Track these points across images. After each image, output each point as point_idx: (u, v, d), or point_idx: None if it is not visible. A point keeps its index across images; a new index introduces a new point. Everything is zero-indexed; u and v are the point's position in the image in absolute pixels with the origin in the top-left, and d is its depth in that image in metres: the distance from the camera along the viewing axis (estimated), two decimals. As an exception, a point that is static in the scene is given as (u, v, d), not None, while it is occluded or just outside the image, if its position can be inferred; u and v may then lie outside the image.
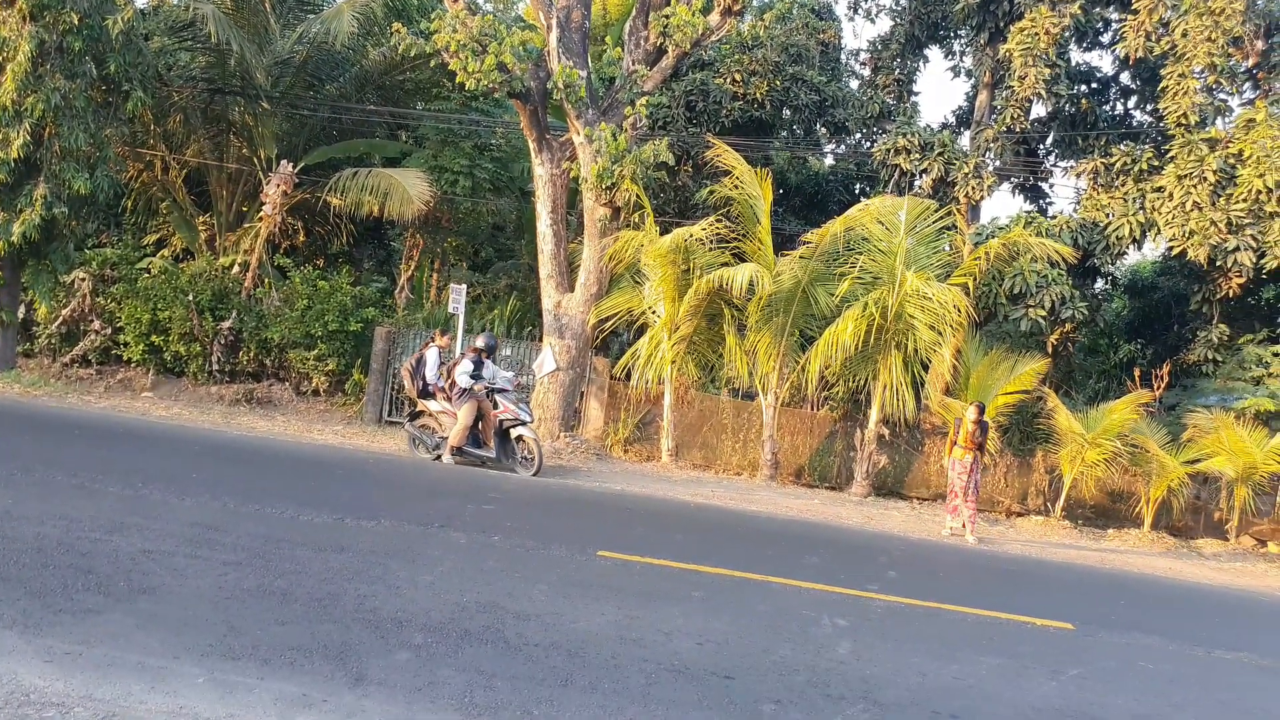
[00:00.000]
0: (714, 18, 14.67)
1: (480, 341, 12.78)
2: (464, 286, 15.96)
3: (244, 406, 15.71)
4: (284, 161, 17.10)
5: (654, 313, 15.60)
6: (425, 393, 12.82)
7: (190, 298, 16.27)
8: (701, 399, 16.42)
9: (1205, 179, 15.62)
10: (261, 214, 17.12)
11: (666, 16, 14.52)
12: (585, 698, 4.78)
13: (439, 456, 12.58)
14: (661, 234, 14.96)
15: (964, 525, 12.54)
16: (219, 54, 17.16)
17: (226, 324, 16.41)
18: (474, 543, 7.89)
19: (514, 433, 12.53)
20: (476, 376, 12.37)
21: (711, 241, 15.08)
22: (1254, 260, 15.51)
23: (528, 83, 14.75)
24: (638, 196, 14.90)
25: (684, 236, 14.53)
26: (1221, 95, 17.04)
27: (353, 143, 19.33)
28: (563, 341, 15.51)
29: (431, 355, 12.92)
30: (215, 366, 16.48)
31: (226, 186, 18.64)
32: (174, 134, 18.54)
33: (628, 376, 15.38)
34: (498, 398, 12.45)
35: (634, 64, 15.36)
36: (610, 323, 15.89)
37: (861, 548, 10.89)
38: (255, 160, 18.22)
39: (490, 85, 14.24)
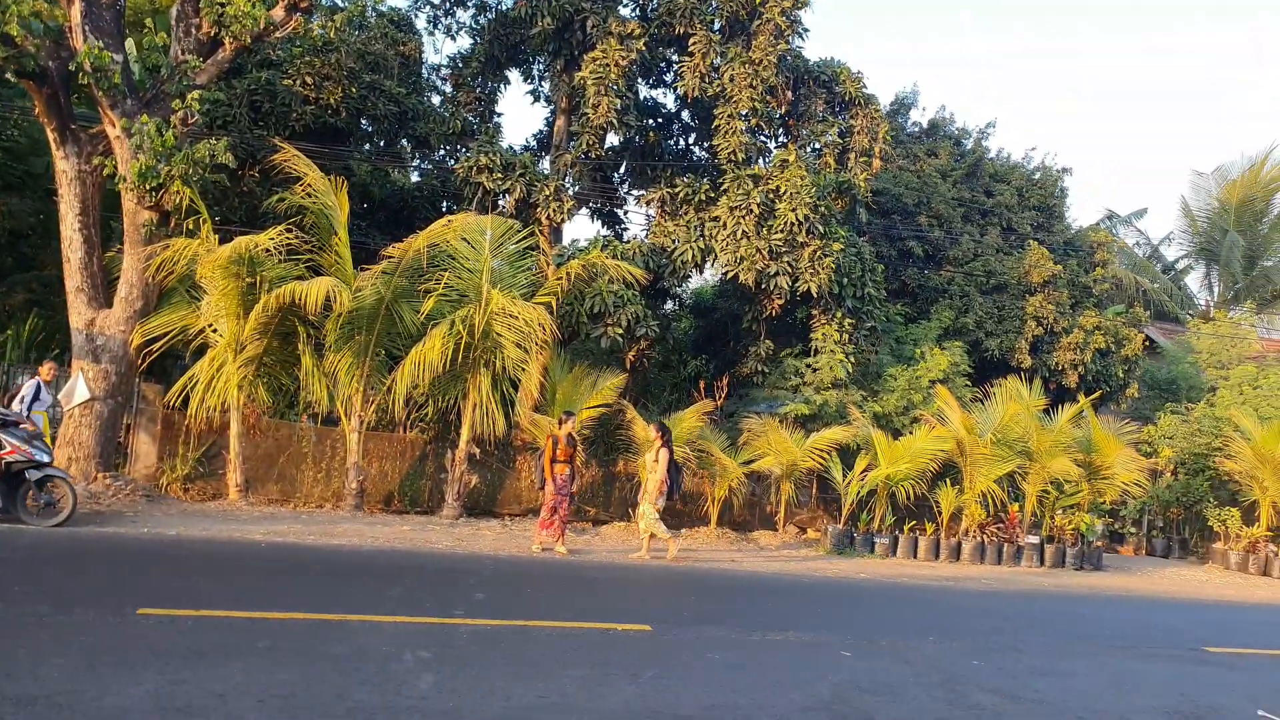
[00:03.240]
0: (278, 12, 13.51)
1: None
2: (-38, 302, 13.12)
3: None
4: None
5: (215, 331, 13.99)
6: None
7: None
8: (276, 427, 15.02)
9: (751, 211, 17.48)
10: None
11: (222, 5, 13.07)
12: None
13: None
14: (223, 243, 13.44)
15: (556, 538, 12.68)
16: None
17: None
18: (-37, 617, 6.28)
19: (32, 476, 10.40)
20: None
21: (282, 253, 13.87)
22: (790, 284, 17.63)
23: (44, 62, 12.50)
24: (191, 200, 13.24)
25: (248, 246, 13.18)
26: (762, 137, 19.27)
27: None
28: (99, 366, 13.29)
29: (28, 388, 11.08)
30: None
31: None
32: None
33: (186, 404, 13.60)
34: (2, 435, 10.26)
35: (184, 53, 13.66)
36: (161, 343, 13.90)
37: (450, 572, 10.50)
38: None
39: (-8, 60, 11.84)
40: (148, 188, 12.88)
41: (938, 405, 17.82)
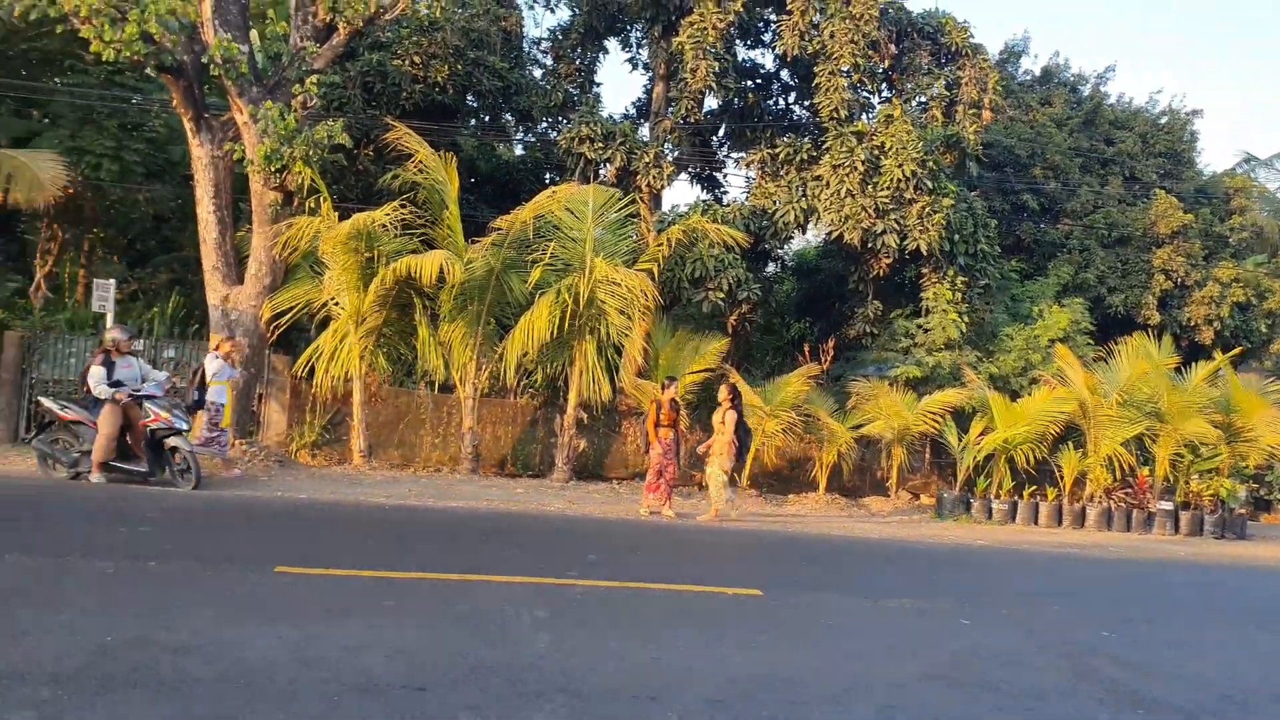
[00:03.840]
0: (387, -5, 13.96)
1: (111, 336, 11.31)
2: (111, 282, 14.11)
3: None
4: None
5: (337, 304, 14.66)
6: (198, 405, 12.21)
7: None
8: (396, 394, 15.70)
9: (855, 168, 17.18)
10: None
11: (335, -9, 13.59)
12: (253, 736, 4.22)
13: (78, 474, 11.03)
14: (341, 220, 14.05)
15: (663, 502, 12.90)
16: None
17: None
18: (124, 571, 6.88)
19: (169, 443, 11.21)
20: (117, 383, 10.92)
21: (397, 228, 14.40)
22: (898, 242, 17.30)
23: (180, 56, 13.24)
24: (312, 180, 13.88)
25: (366, 222, 13.73)
26: (865, 93, 18.85)
27: (-36, 119, 16.46)
28: (233, 340, 14.13)
29: (212, 365, 12.23)
30: None
31: None
32: None
33: (312, 374, 14.34)
34: (147, 404, 11.06)
35: (302, 40, 14.28)
36: (288, 317, 14.69)
37: (562, 534, 10.84)
38: None
39: (134, 57, 12.62)
40: (272, 169, 13.56)
41: (1057, 365, 17.25)
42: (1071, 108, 24.00)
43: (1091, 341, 19.33)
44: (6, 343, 14.17)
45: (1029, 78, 25.58)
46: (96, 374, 10.88)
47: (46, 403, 11.46)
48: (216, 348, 12.85)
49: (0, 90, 16.97)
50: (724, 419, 12.93)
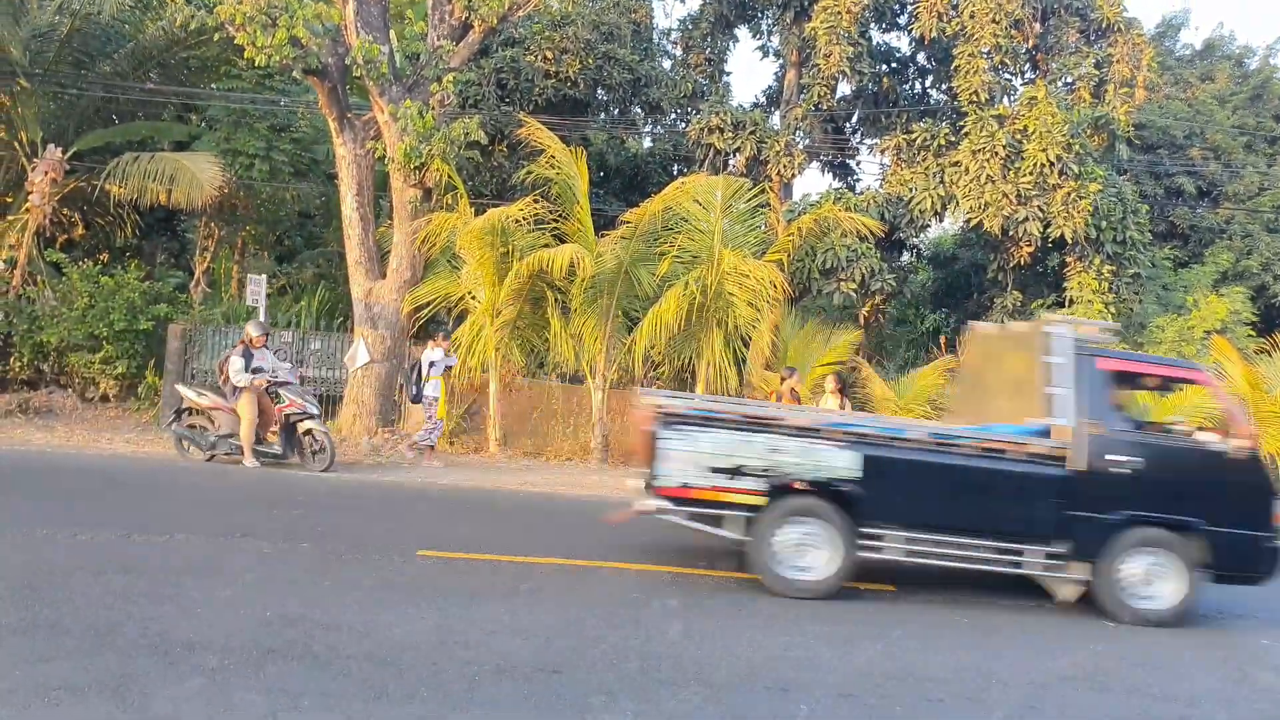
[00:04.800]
0: (520, -8, 14.24)
1: (251, 330, 12.01)
2: (263, 277, 14.93)
3: (19, 418, 14.09)
4: (51, 146, 15.43)
5: (473, 298, 15.08)
6: (417, 398, 13.36)
7: (-57, 300, 14.45)
8: (529, 385, 16.03)
9: (996, 154, 16.53)
10: (28, 204, 15.39)
11: (471, -10, 13.95)
12: (401, 709, 4.43)
13: (213, 456, 11.76)
14: (477, 215, 14.44)
15: None
16: (-42, 25, 15.24)
17: (-11, 327, 14.70)
18: (280, 551, 7.30)
19: (302, 427, 11.84)
20: (258, 370, 11.61)
21: (530, 223, 14.69)
22: (1041, 230, 16.56)
23: (325, 59, 13.85)
24: (449, 176, 14.31)
25: (500, 217, 14.07)
26: (1006, 75, 18.12)
27: (133, 125, 17.66)
28: (376, 332, 14.73)
29: (430, 358, 13.25)
30: (-21, 376, 14.73)
31: (-18, 175, 16.67)
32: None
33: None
34: (280, 391, 11.71)
35: (439, 39, 14.70)
36: (427, 310, 15.21)
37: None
38: (17, 145, 16.33)
39: (284, 61, 13.26)
40: (412, 166, 14.05)
41: (1214, 357, 16.17)
42: (1236, 83, 22.46)
43: (1254, 333, 18.09)
44: (170, 335, 15.16)
45: (1189, 52, 24.08)
46: (236, 364, 11.57)
47: (183, 390, 12.24)
48: (435, 342, 13.60)
49: (163, 97, 18.19)
50: (841, 407, 12.75)
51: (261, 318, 14.51)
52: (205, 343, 15.16)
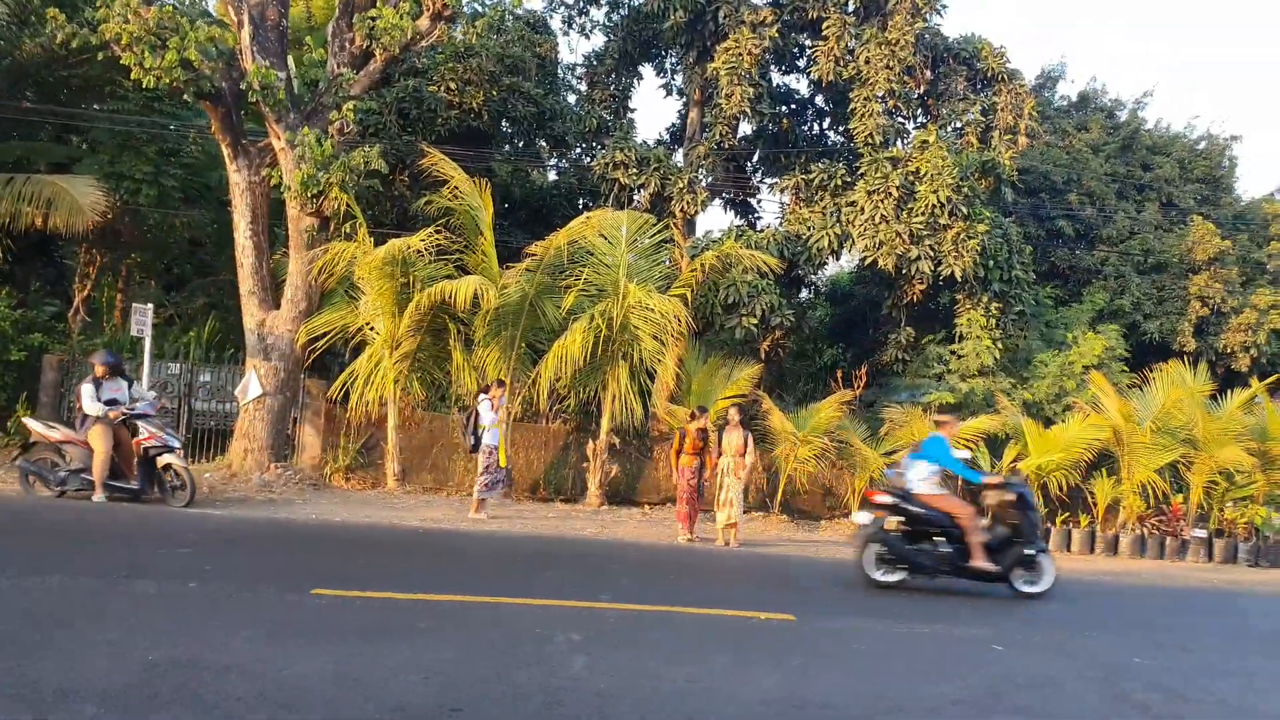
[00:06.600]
0: (423, 22, 14.11)
1: (96, 360, 11.45)
2: (149, 306, 14.31)
3: None
4: (-91, 164, 14.56)
5: (372, 329, 14.76)
6: (475, 448, 13.10)
7: None
8: (430, 419, 15.76)
9: (890, 194, 17.12)
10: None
11: (372, 19, 13.77)
12: (290, 756, 4.21)
13: (63, 493, 11.16)
14: (377, 245, 14.18)
15: (686, 526, 12.84)
16: None
17: None
18: (166, 592, 6.92)
19: (161, 461, 11.33)
20: (112, 401, 11.09)
21: (432, 253, 14.50)
22: (932, 268, 17.19)
23: (219, 83, 13.47)
24: (348, 205, 14.02)
25: (401, 247, 13.85)
26: (900, 118, 18.84)
27: (6, 145, 16.80)
28: (269, 364, 14.26)
29: (485, 409, 12.95)
30: None
31: None
32: None
33: (346, 399, 14.42)
34: (138, 423, 11.21)
35: (339, 67, 14.47)
36: (324, 341, 14.79)
37: (595, 558, 10.79)
38: None
39: (174, 84, 12.85)
40: (309, 195, 13.72)
41: (1092, 392, 17.03)
42: (1108, 133, 23.85)
43: (1126, 369, 19.09)
44: (45, 366, 14.40)
45: (1065, 103, 25.47)
46: (87, 391, 11.05)
47: (31, 423, 11.63)
48: (487, 392, 13.27)
49: (40, 116, 17.36)
50: (744, 440, 12.89)
51: (148, 349, 13.87)
52: (84, 374, 14.39)
